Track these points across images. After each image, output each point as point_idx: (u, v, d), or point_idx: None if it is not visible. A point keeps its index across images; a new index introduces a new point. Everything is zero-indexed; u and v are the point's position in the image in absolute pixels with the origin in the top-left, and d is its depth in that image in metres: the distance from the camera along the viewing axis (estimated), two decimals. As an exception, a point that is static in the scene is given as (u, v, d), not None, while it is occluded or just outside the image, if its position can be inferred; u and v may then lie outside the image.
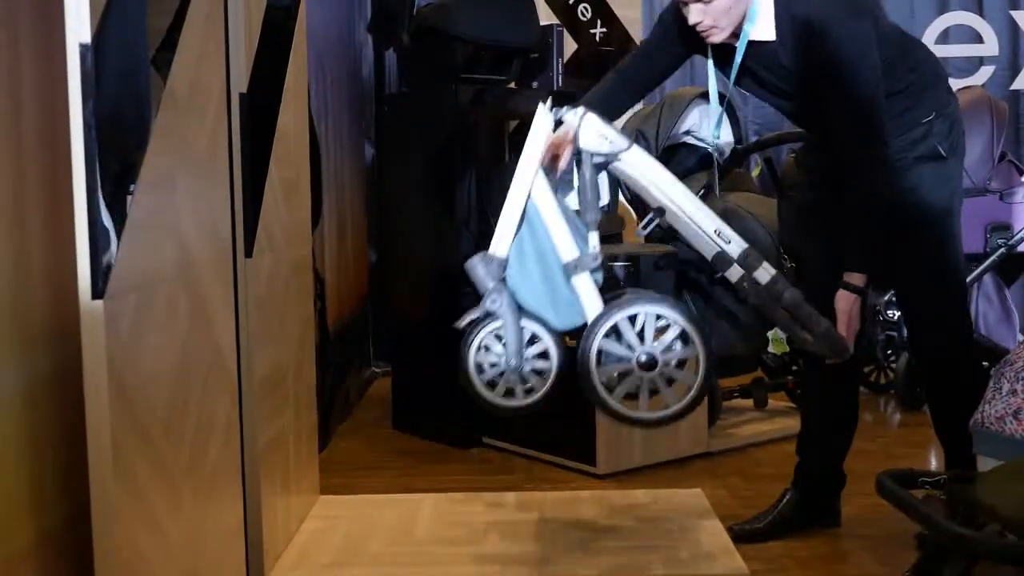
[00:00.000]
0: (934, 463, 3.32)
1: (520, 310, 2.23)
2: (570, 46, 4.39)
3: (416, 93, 4.13)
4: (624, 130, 2.56)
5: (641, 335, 2.19)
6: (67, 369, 1.63)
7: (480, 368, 2.27)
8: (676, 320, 2.19)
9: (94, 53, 1.53)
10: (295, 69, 2.70)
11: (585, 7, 4.53)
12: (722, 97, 2.57)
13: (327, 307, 3.87)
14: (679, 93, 3.78)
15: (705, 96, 3.51)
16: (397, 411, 4.02)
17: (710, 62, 2.49)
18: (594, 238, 2.20)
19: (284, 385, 2.60)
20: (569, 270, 2.20)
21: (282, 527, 2.59)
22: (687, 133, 3.65)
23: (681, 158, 3.63)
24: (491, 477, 3.34)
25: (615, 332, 2.19)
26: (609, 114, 2.34)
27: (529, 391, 2.28)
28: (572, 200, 2.31)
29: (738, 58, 2.40)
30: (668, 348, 2.20)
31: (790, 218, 2.81)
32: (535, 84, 4.10)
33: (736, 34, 2.38)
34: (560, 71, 4.15)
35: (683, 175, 2.46)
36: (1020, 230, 3.92)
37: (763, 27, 2.36)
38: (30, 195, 1.59)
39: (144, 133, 1.75)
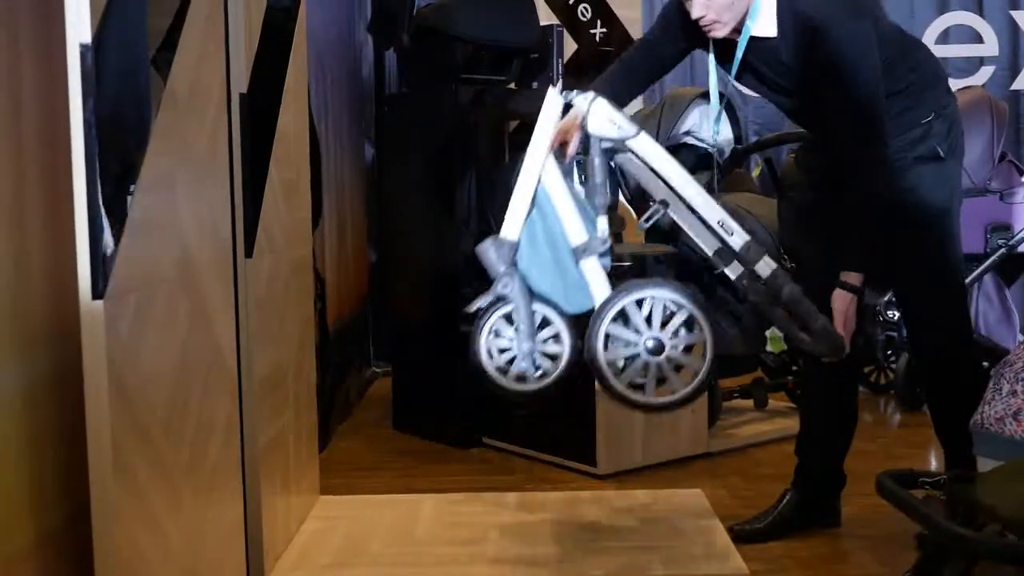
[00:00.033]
0: (934, 463, 3.32)
1: (531, 294, 2.24)
2: (570, 46, 4.39)
3: (416, 93, 4.13)
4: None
5: (648, 320, 2.20)
6: (67, 369, 1.63)
7: (491, 353, 2.28)
8: (684, 305, 2.20)
9: (94, 53, 1.53)
10: (295, 70, 2.70)
11: (585, 7, 4.53)
12: (721, 96, 2.57)
13: (327, 307, 3.87)
14: (679, 93, 3.78)
15: (705, 96, 3.51)
16: (397, 411, 4.02)
17: (711, 56, 2.49)
18: (603, 222, 2.22)
19: (284, 385, 2.60)
20: (578, 254, 2.21)
21: (282, 527, 2.59)
22: (687, 133, 3.65)
23: (681, 158, 3.60)
24: (491, 477, 3.34)
25: (622, 316, 2.20)
26: (615, 102, 2.35)
27: (541, 375, 2.29)
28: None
29: (739, 53, 2.40)
30: (675, 333, 2.21)
31: (790, 218, 2.82)
32: (535, 84, 4.10)
33: (738, 30, 2.38)
34: (560, 71, 4.15)
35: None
36: (1020, 230, 3.92)
37: (765, 23, 2.36)
38: (30, 195, 1.59)
39: (144, 133, 1.75)
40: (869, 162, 2.33)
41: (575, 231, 2.21)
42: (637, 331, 2.19)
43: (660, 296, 2.20)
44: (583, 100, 2.25)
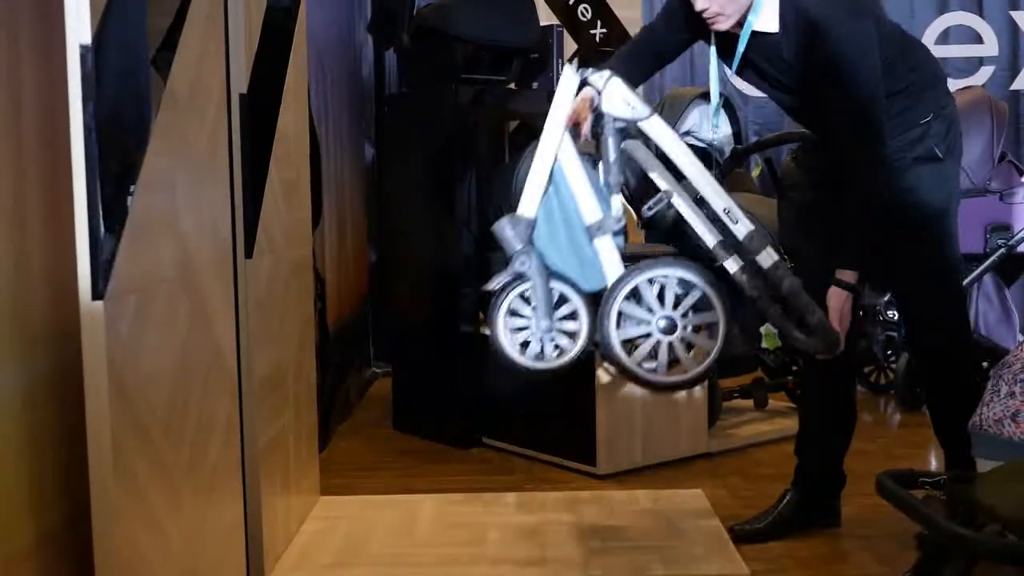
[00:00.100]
0: (934, 463, 3.32)
1: (548, 271, 2.24)
2: (570, 46, 4.39)
3: (416, 93, 4.13)
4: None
5: (661, 299, 2.20)
6: (67, 369, 1.63)
7: (509, 332, 2.28)
8: (696, 285, 2.20)
9: (94, 53, 1.53)
10: (295, 70, 2.70)
11: (585, 7, 4.53)
12: (720, 96, 2.57)
13: (327, 307, 3.87)
14: (679, 93, 3.77)
15: (705, 96, 3.51)
16: (397, 411, 4.02)
17: (712, 49, 2.48)
18: (617, 201, 2.22)
19: (284, 385, 2.60)
20: (592, 232, 2.22)
21: (282, 527, 2.59)
22: (687, 133, 3.65)
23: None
24: (491, 477, 3.34)
25: (635, 295, 2.20)
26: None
27: (560, 353, 2.29)
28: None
29: (741, 47, 2.40)
30: (688, 312, 2.21)
31: (790, 218, 2.82)
32: (535, 84, 4.10)
33: (740, 23, 2.38)
34: (560, 72, 4.14)
35: (679, 179, 2.48)
36: (1020, 230, 3.92)
37: (767, 18, 2.36)
38: (30, 195, 1.59)
39: (144, 134, 1.75)
40: (868, 162, 2.33)
41: (589, 209, 2.22)
42: (650, 310, 2.20)
43: (673, 275, 2.21)
44: (599, 78, 2.26)
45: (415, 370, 3.95)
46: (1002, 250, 3.92)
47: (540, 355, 2.29)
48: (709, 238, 2.28)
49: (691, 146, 3.61)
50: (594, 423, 3.26)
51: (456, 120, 3.69)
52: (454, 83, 3.71)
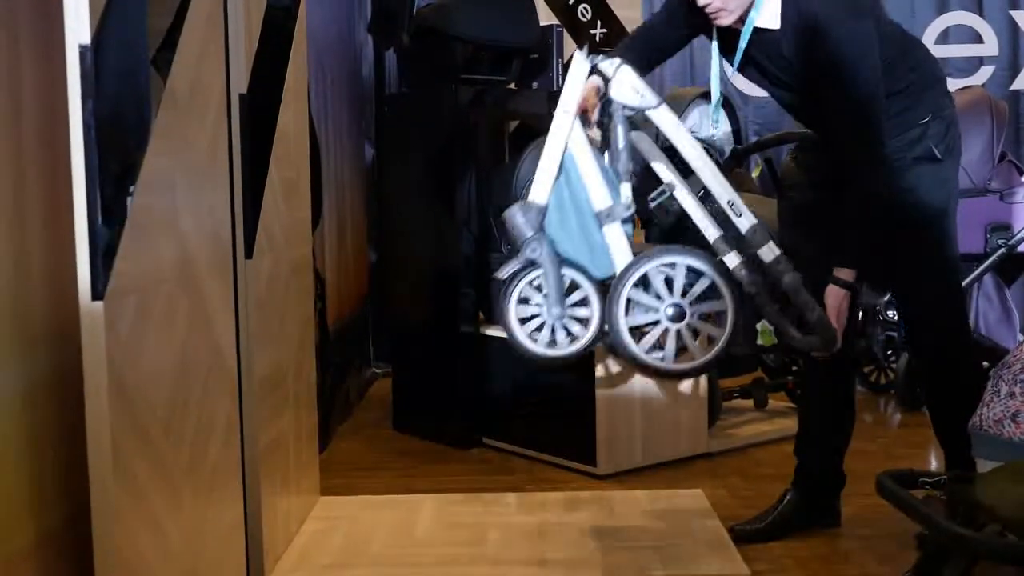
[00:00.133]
0: (934, 463, 3.32)
1: (559, 258, 2.24)
2: (570, 46, 4.39)
3: (416, 93, 4.13)
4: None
5: (670, 286, 2.21)
6: (67, 369, 1.63)
7: (521, 320, 2.29)
8: (706, 272, 2.21)
9: (94, 53, 1.53)
10: (295, 69, 2.70)
11: (585, 8, 4.53)
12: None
13: (327, 307, 3.87)
14: (679, 93, 3.78)
15: (705, 96, 3.51)
16: (397, 412, 4.02)
17: (714, 44, 2.48)
18: (626, 189, 2.23)
19: (284, 385, 2.60)
20: (601, 218, 2.22)
21: (282, 528, 2.59)
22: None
23: (681, 158, 3.63)
24: (491, 477, 3.34)
25: (644, 282, 2.20)
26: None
27: (572, 339, 2.29)
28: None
29: (743, 43, 2.40)
30: (697, 300, 2.22)
31: (790, 218, 2.82)
32: (535, 84, 4.10)
33: (742, 19, 2.38)
34: (560, 71, 4.15)
35: (683, 175, 2.48)
36: (1020, 230, 3.92)
37: (769, 15, 2.36)
38: (30, 195, 1.59)
39: (144, 134, 1.75)
40: (867, 162, 2.33)
41: (599, 196, 2.22)
42: (659, 297, 2.20)
43: (682, 263, 2.21)
44: (609, 65, 2.26)
45: (415, 370, 3.95)
46: (1002, 250, 3.92)
47: (552, 342, 2.29)
48: (711, 232, 2.29)
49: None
50: (594, 423, 3.26)
51: (456, 120, 3.69)
52: (454, 83, 3.71)
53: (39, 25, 1.61)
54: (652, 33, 2.61)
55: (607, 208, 2.22)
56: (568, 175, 2.23)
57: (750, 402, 3.94)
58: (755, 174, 4.29)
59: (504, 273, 2.28)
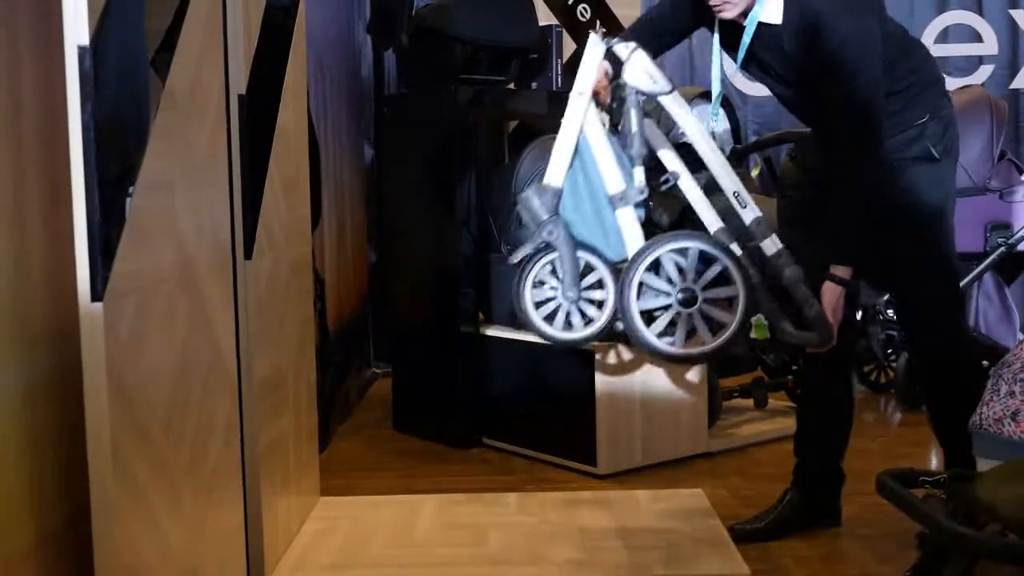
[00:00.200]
0: (934, 462, 3.32)
1: (574, 241, 2.25)
2: (569, 46, 4.39)
3: (415, 93, 4.13)
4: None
5: (681, 271, 2.21)
6: (67, 369, 1.63)
7: (536, 304, 2.30)
8: (718, 258, 2.21)
9: (93, 55, 1.53)
10: (294, 69, 2.70)
11: (584, 7, 4.53)
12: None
13: (327, 308, 3.87)
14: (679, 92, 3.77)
15: (704, 96, 3.51)
16: (397, 412, 4.02)
17: (716, 37, 2.48)
18: (639, 173, 2.23)
19: (284, 386, 2.59)
20: (614, 202, 2.23)
21: (283, 528, 2.59)
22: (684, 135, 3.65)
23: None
24: (491, 478, 3.34)
25: (656, 266, 2.21)
26: None
27: (588, 322, 2.30)
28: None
29: (747, 38, 2.39)
30: (708, 286, 2.22)
31: (789, 217, 2.82)
32: (534, 84, 4.10)
33: (745, 14, 2.38)
34: (559, 72, 4.15)
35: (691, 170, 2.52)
36: (1020, 229, 3.92)
37: (772, 9, 2.36)
38: (30, 195, 1.59)
39: (143, 134, 1.75)
40: (865, 161, 2.34)
41: (613, 180, 2.23)
42: (670, 281, 2.21)
43: (695, 248, 2.22)
44: (624, 49, 2.27)
45: (415, 370, 3.95)
46: (1002, 249, 3.92)
47: (568, 326, 2.30)
48: (713, 223, 2.29)
49: (691, 146, 3.62)
50: (594, 423, 3.26)
51: (455, 120, 3.69)
52: (453, 83, 3.71)
53: (39, 25, 1.61)
54: (653, 25, 2.61)
55: (620, 192, 2.23)
56: (583, 158, 2.24)
57: (750, 402, 3.94)
58: (755, 173, 4.29)
59: (518, 256, 2.29)
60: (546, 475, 3.34)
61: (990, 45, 5.32)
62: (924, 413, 2.77)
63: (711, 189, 2.41)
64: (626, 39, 2.37)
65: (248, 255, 2.30)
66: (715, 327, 2.30)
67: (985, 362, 3.14)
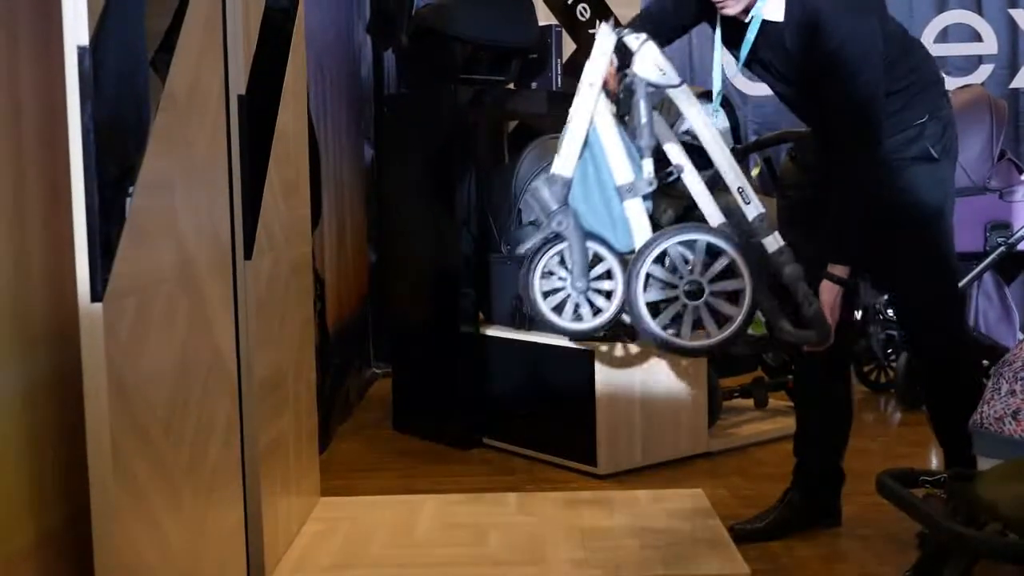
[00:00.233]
0: (934, 462, 3.32)
1: (583, 231, 2.25)
2: (569, 46, 4.39)
3: (415, 94, 4.13)
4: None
5: (688, 263, 2.22)
6: (67, 370, 1.63)
7: (544, 294, 2.30)
8: (726, 251, 2.21)
9: (92, 55, 1.53)
10: (294, 70, 2.70)
11: (584, 7, 4.53)
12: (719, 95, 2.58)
13: (327, 308, 3.87)
14: (678, 93, 3.77)
15: (704, 96, 3.50)
16: (397, 412, 4.02)
17: (717, 32, 2.48)
18: (648, 164, 2.23)
19: (284, 386, 2.59)
20: (622, 193, 2.23)
21: (283, 529, 2.59)
22: (686, 133, 3.65)
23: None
24: (491, 478, 3.34)
25: (663, 258, 2.21)
26: None
27: (596, 313, 2.31)
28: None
29: (751, 35, 2.39)
30: (715, 278, 2.22)
31: (789, 217, 2.82)
32: (534, 84, 4.10)
33: (747, 10, 2.38)
34: (559, 71, 4.15)
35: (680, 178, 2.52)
36: (1020, 228, 3.92)
37: (774, 7, 2.36)
38: (30, 195, 1.59)
39: (143, 135, 1.75)
40: (864, 161, 2.34)
41: (621, 171, 2.23)
42: (677, 273, 2.21)
43: (702, 240, 2.22)
44: (635, 40, 2.27)
45: (415, 370, 3.95)
46: (1002, 248, 3.92)
47: (578, 317, 2.30)
48: (715, 217, 2.29)
49: (691, 146, 3.62)
50: (594, 423, 3.26)
51: (455, 120, 3.69)
52: (453, 83, 3.71)
53: (38, 25, 1.61)
54: (654, 19, 2.60)
55: (629, 183, 2.23)
56: (592, 149, 2.24)
57: (750, 401, 3.94)
58: (754, 173, 4.29)
59: (527, 247, 2.29)
60: (546, 475, 3.34)
61: (990, 44, 5.33)
62: (924, 413, 2.77)
63: (713, 187, 2.41)
64: (636, 31, 2.37)
65: (248, 255, 2.30)
66: (721, 320, 2.31)
67: (985, 362, 3.15)
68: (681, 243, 2.23)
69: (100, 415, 1.56)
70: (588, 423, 3.27)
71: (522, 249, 2.32)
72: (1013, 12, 5.32)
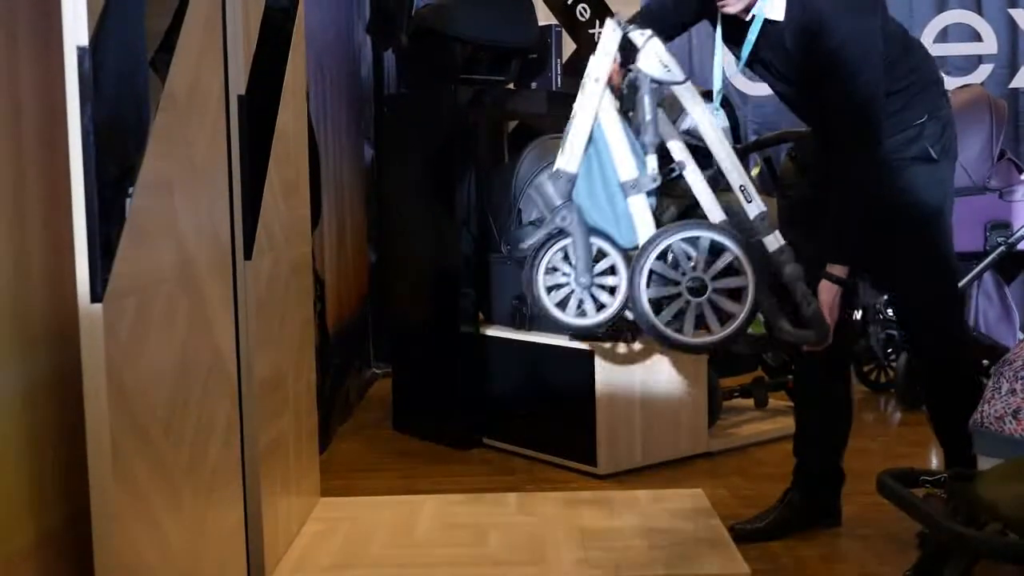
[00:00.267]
0: (935, 462, 3.32)
1: (587, 227, 2.26)
2: (569, 46, 4.39)
3: (415, 94, 4.13)
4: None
5: (691, 260, 2.22)
6: (67, 370, 1.63)
7: (549, 289, 2.31)
8: (729, 248, 2.21)
9: (92, 55, 1.53)
10: (294, 70, 2.70)
11: (584, 7, 4.53)
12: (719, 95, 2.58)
13: (327, 308, 3.87)
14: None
15: (705, 96, 3.50)
16: (397, 412, 4.02)
17: (718, 30, 2.48)
18: (652, 160, 2.24)
19: (284, 386, 2.59)
20: (626, 189, 2.23)
21: (283, 529, 2.59)
22: (686, 133, 3.65)
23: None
24: (492, 478, 3.34)
25: (666, 255, 2.22)
26: None
27: (600, 308, 2.31)
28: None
29: (753, 35, 2.39)
30: (718, 275, 2.22)
31: (789, 217, 2.82)
32: (534, 84, 4.10)
33: (748, 9, 2.38)
34: (559, 72, 4.15)
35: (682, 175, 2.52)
36: (1020, 228, 3.92)
37: (776, 6, 2.36)
38: (30, 196, 1.59)
39: (143, 135, 1.75)
40: (864, 161, 2.34)
41: (626, 167, 2.23)
42: (680, 269, 2.21)
43: (706, 237, 2.22)
44: (640, 36, 2.27)
45: (415, 371, 3.95)
46: (1002, 248, 3.92)
47: (582, 313, 2.31)
48: (716, 215, 2.30)
49: (691, 146, 3.62)
50: (594, 423, 3.26)
51: (455, 120, 3.69)
52: (453, 83, 3.71)
53: (38, 25, 1.61)
54: (655, 16, 2.60)
55: (633, 179, 2.23)
56: (597, 145, 2.24)
57: (750, 401, 3.94)
58: (754, 173, 4.29)
59: (531, 242, 2.29)
60: (546, 475, 3.34)
61: (989, 44, 5.33)
62: (924, 413, 2.77)
63: (714, 187, 2.41)
64: (640, 27, 2.37)
65: (248, 255, 2.30)
66: (723, 317, 2.31)
67: (985, 361, 3.15)
68: (684, 240, 2.23)
69: (100, 415, 1.56)
70: (588, 423, 3.27)
71: (526, 244, 2.33)
72: (1013, 12, 5.32)
